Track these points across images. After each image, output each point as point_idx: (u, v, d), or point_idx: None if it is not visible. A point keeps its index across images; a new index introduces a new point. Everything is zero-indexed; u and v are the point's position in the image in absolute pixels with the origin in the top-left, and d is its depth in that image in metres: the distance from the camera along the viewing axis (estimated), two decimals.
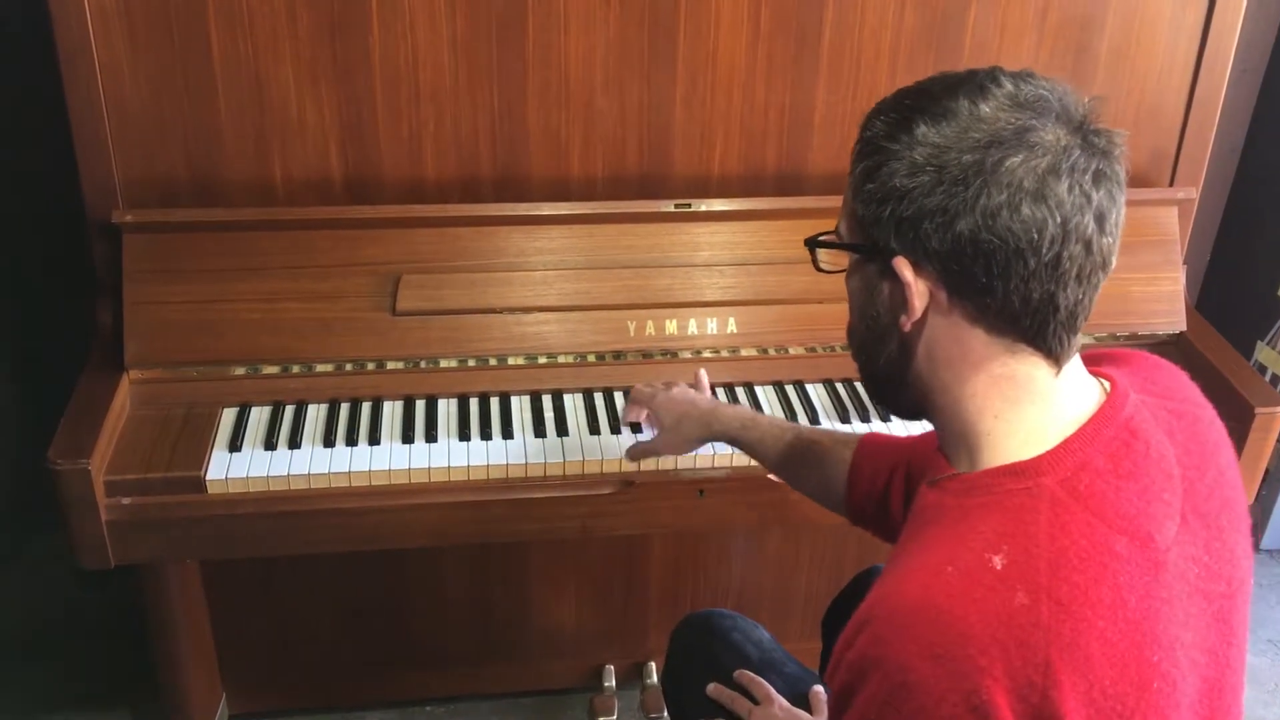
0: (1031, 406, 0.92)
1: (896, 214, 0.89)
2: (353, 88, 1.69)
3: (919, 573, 0.86)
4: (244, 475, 1.56)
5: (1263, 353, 2.56)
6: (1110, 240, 0.90)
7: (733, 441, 1.48)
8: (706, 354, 1.77)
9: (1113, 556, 0.86)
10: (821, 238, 1.02)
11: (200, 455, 1.58)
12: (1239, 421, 1.72)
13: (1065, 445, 0.91)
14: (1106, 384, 0.97)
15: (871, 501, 1.32)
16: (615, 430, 1.67)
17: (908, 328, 0.93)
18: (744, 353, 1.77)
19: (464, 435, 1.65)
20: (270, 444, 1.61)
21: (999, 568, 0.84)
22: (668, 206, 1.75)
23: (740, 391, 1.77)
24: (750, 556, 2.10)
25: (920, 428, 1.27)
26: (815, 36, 1.75)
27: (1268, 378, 2.51)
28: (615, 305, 1.73)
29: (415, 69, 1.69)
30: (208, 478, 1.55)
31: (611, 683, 2.11)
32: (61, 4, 1.56)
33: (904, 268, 0.90)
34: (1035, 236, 0.86)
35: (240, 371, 1.68)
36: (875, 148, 0.91)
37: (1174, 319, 1.85)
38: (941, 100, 0.89)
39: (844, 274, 1.02)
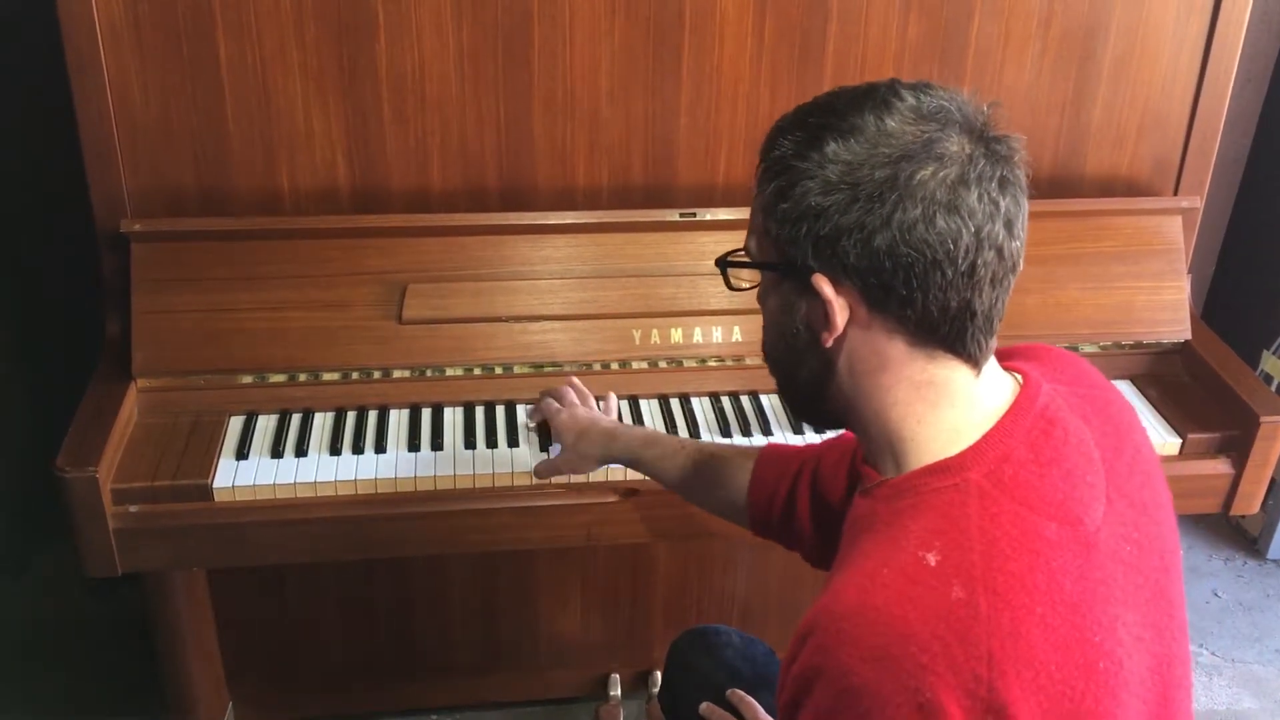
0: (951, 409, 0.94)
1: (813, 232, 0.90)
2: (360, 98, 1.70)
3: (856, 578, 0.87)
4: (251, 483, 1.57)
5: (1269, 362, 2.56)
6: (1019, 244, 0.92)
7: (633, 460, 1.49)
8: (711, 362, 1.77)
9: (1044, 542, 0.87)
10: (732, 257, 1.03)
11: (207, 463, 1.58)
12: (1244, 430, 1.72)
13: (986, 439, 0.93)
14: (1019, 378, 0.99)
15: (775, 510, 1.33)
16: None
17: (829, 343, 0.94)
18: (749, 361, 1.78)
19: (470, 443, 1.66)
20: (277, 452, 1.62)
21: (933, 564, 0.85)
22: (673, 216, 1.76)
23: (745, 400, 1.77)
24: (756, 565, 2.10)
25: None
26: (819, 47, 1.76)
27: (1274, 387, 2.51)
28: (621, 314, 1.74)
29: (422, 79, 1.70)
30: (215, 486, 1.56)
31: (617, 691, 2.11)
32: (71, 16, 1.57)
33: (824, 285, 0.91)
34: (951, 247, 0.88)
35: (247, 380, 1.69)
36: (785, 166, 0.92)
37: (1178, 328, 1.85)
38: (848, 117, 0.90)
39: (756, 291, 1.03)
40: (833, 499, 1.25)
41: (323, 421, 1.69)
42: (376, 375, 1.71)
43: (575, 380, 1.65)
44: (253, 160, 1.71)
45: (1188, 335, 1.86)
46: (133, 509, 1.53)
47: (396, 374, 1.71)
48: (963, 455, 0.92)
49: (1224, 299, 2.74)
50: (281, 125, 1.70)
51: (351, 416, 1.70)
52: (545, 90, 1.73)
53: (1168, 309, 1.85)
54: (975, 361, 0.94)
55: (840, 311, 0.92)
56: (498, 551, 1.90)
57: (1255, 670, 2.39)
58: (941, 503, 0.90)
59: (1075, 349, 1.85)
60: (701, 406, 1.76)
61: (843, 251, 0.89)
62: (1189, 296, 1.87)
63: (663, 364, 1.77)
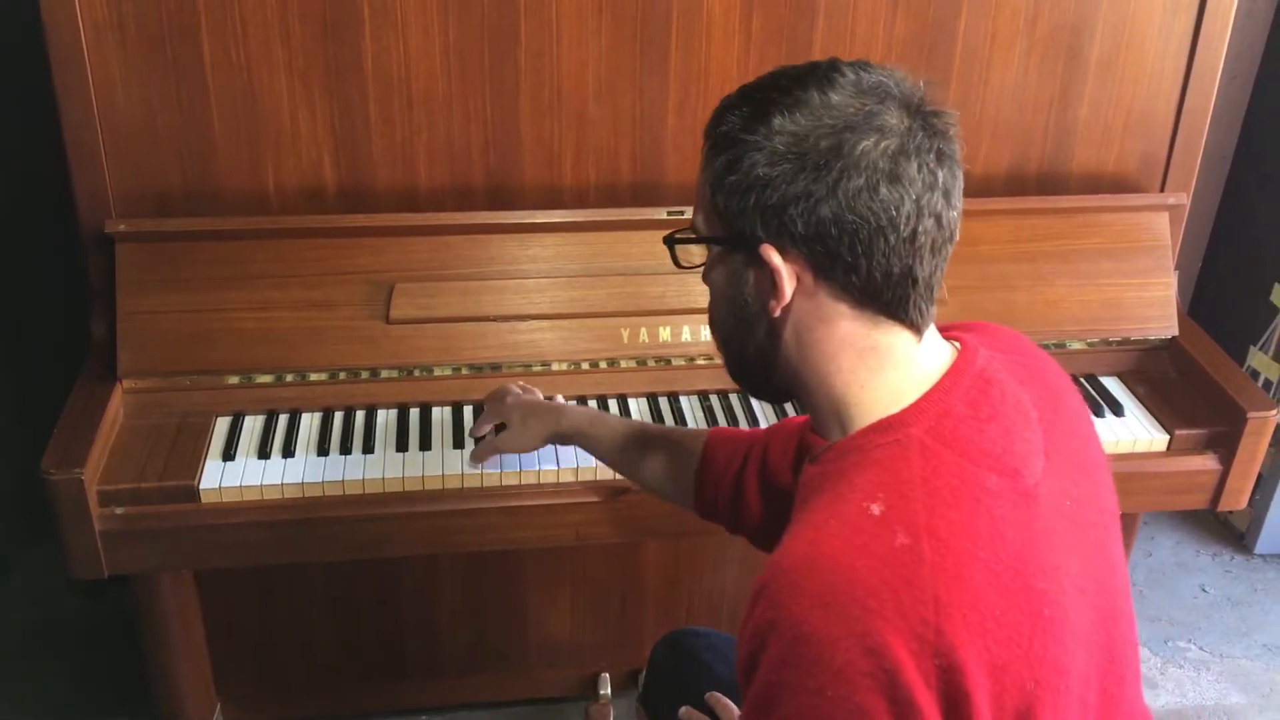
0: (894, 371, 0.97)
1: (761, 202, 0.93)
2: (346, 97, 1.69)
3: (805, 533, 0.90)
4: (238, 484, 1.56)
5: (1255, 358, 2.57)
6: (956, 214, 0.96)
7: (579, 438, 1.50)
8: (700, 361, 1.77)
9: (985, 492, 0.90)
10: (680, 234, 1.05)
11: (194, 464, 1.58)
12: (1231, 426, 1.72)
13: (926, 397, 0.96)
14: (957, 345, 1.03)
15: (722, 491, 1.35)
16: None
17: (777, 312, 0.97)
18: None
19: (458, 443, 1.65)
20: (264, 453, 1.62)
21: (877, 514, 0.88)
22: (660, 214, 1.76)
23: (734, 398, 1.77)
24: (746, 563, 2.10)
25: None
26: (806, 45, 1.76)
27: (1260, 383, 2.52)
28: (609, 313, 1.73)
29: (408, 78, 1.69)
30: (201, 487, 1.55)
31: (607, 690, 2.11)
32: (54, 16, 1.56)
33: (771, 254, 0.94)
34: (894, 214, 0.91)
35: (234, 380, 1.68)
36: (733, 140, 0.95)
37: (1166, 324, 1.86)
38: (792, 91, 0.93)
39: (701, 269, 1.05)
40: (783, 482, 1.28)
41: (310, 422, 1.68)
42: (364, 375, 1.71)
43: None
44: (238, 160, 1.71)
45: (1175, 332, 1.87)
46: (119, 510, 1.53)
47: (384, 374, 1.71)
48: (904, 413, 0.95)
49: (1211, 295, 2.75)
50: (267, 125, 1.69)
51: (339, 417, 1.69)
52: (532, 89, 1.73)
53: (1155, 305, 1.86)
54: (917, 328, 0.97)
55: (788, 280, 0.94)
56: (487, 551, 1.90)
57: (1243, 665, 2.39)
58: (885, 457, 0.93)
59: (1063, 346, 1.85)
60: (690, 405, 1.76)
61: (790, 220, 0.92)
62: (1176, 293, 1.88)
63: (651, 363, 1.77)
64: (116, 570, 1.55)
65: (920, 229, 0.92)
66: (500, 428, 1.58)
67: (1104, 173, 1.92)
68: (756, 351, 1.02)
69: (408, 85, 1.70)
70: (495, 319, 1.71)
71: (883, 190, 0.90)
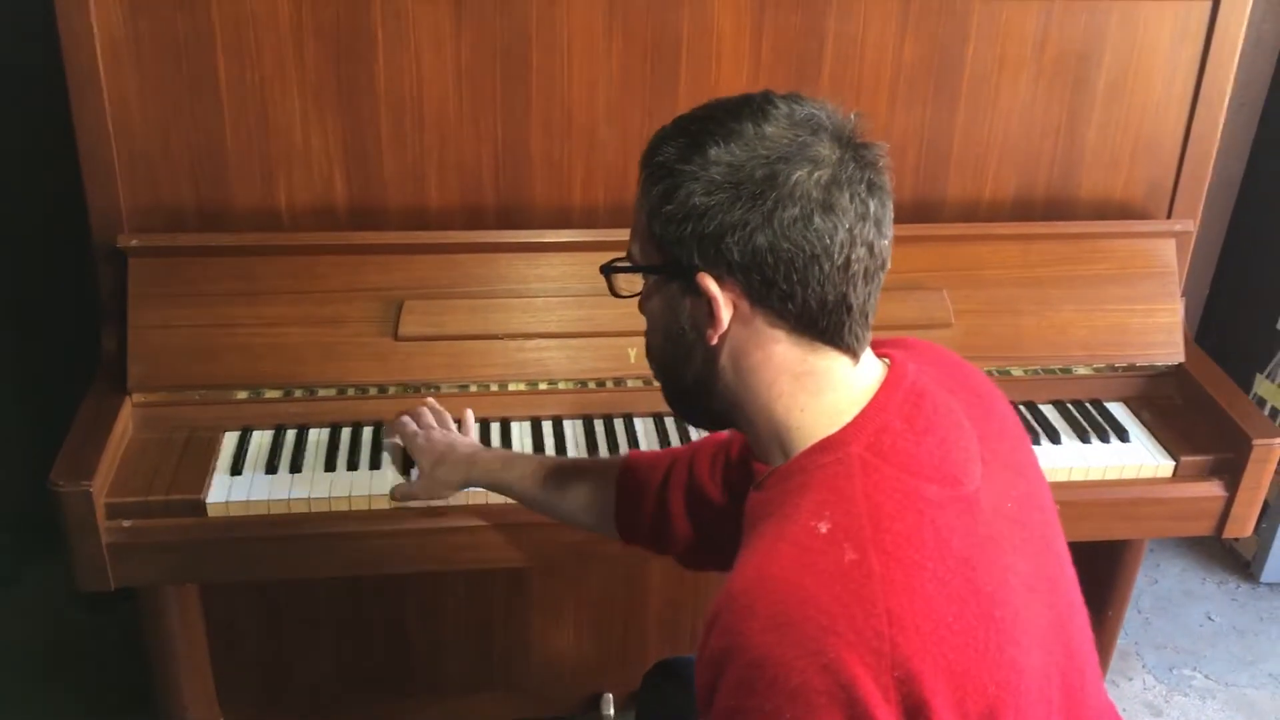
0: (832, 393, 0.99)
1: (697, 231, 0.94)
2: (358, 116, 1.70)
3: (754, 557, 0.91)
4: (245, 499, 1.57)
5: (1261, 385, 2.56)
6: (887, 242, 0.98)
7: (493, 483, 1.49)
8: None
9: (926, 503, 0.92)
10: (616, 263, 1.06)
11: (201, 478, 1.58)
12: (1236, 453, 1.72)
13: (863, 414, 0.97)
14: (887, 361, 1.05)
15: (644, 513, 1.36)
16: None
17: (714, 340, 0.98)
18: None
19: None
20: (271, 468, 1.62)
21: (824, 532, 0.89)
22: None
23: None
24: None
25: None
26: (815, 68, 1.77)
27: (1266, 410, 2.52)
28: (616, 332, 1.74)
29: (420, 98, 1.70)
30: (208, 501, 1.56)
31: (610, 711, 2.11)
32: (71, 32, 1.58)
33: (708, 282, 0.95)
34: (828, 243, 0.93)
35: (242, 395, 1.69)
36: (669, 170, 0.96)
37: (1172, 350, 1.86)
38: (727, 123, 0.95)
39: (639, 298, 1.07)
40: (713, 496, 1.29)
41: (318, 437, 1.69)
42: (372, 392, 1.71)
43: (432, 401, 1.64)
44: (251, 177, 1.72)
45: (1181, 358, 1.87)
46: (126, 524, 1.53)
47: (392, 390, 1.71)
48: (843, 431, 0.97)
49: (1218, 322, 2.75)
50: (280, 142, 1.70)
51: (347, 433, 1.70)
52: (543, 109, 1.74)
53: (1161, 331, 1.86)
54: (854, 353, 0.99)
55: (725, 307, 0.96)
56: (491, 570, 1.90)
57: (1248, 694, 2.38)
58: (827, 476, 0.94)
59: (1069, 371, 1.85)
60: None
61: (726, 248, 0.93)
62: (1182, 320, 1.88)
63: (657, 383, 1.77)
64: (123, 583, 1.56)
65: (853, 257, 0.94)
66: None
67: (1111, 199, 1.92)
68: (694, 379, 1.03)
69: (419, 105, 1.71)
70: (503, 337, 1.72)
71: (816, 219, 0.92)
